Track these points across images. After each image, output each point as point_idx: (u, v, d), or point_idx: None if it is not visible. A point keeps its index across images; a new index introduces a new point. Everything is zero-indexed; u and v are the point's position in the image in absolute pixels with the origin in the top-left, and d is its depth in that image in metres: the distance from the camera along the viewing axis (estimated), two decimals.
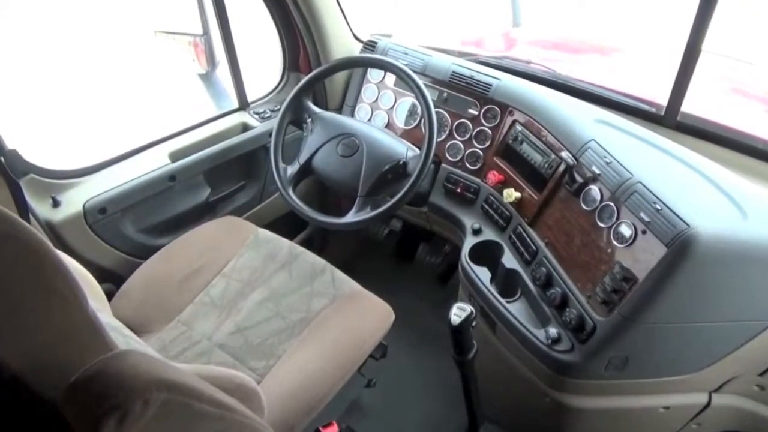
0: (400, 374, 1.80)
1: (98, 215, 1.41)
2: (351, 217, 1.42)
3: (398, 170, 1.43)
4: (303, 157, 1.52)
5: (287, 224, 2.01)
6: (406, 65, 1.53)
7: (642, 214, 1.15)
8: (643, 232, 1.15)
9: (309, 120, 1.55)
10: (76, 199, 1.39)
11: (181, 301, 1.40)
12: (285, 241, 1.54)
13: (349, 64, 1.65)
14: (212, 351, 1.30)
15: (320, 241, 2.18)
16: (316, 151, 1.51)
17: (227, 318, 1.37)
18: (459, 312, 1.20)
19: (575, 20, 3.11)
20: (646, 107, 1.64)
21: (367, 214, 1.41)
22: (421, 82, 1.45)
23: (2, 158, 1.15)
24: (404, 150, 1.46)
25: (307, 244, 2.13)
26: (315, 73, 1.54)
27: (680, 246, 1.06)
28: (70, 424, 0.68)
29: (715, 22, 1.37)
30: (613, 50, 2.41)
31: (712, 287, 1.12)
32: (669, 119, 1.58)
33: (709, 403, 1.41)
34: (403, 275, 2.28)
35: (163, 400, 0.61)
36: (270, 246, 1.52)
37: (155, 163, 1.53)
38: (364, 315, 1.37)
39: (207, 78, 2.68)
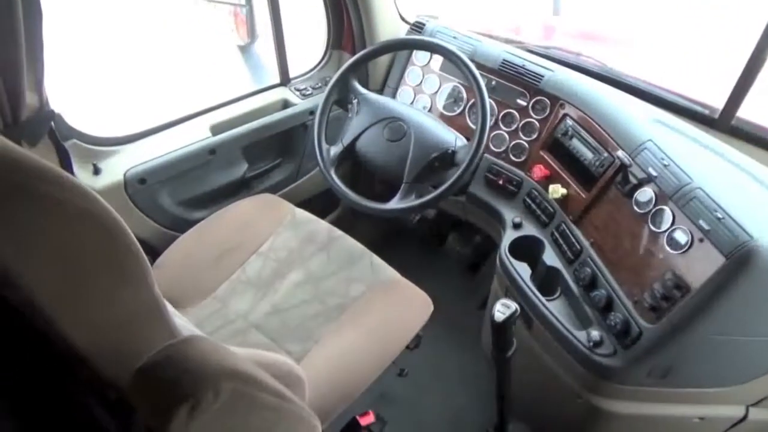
0: (429, 364, 1.79)
1: (138, 185, 1.39)
2: (395, 203, 1.39)
3: (446, 159, 1.39)
4: (347, 139, 1.48)
5: (319, 203, 1.99)
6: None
7: (701, 222, 1.11)
8: (701, 240, 1.11)
9: (355, 101, 1.51)
10: (116, 168, 1.37)
11: (217, 278, 1.39)
12: (323, 223, 1.51)
13: (402, 45, 1.60)
14: (248, 331, 1.29)
15: (349, 222, 2.16)
16: (361, 134, 1.47)
17: (263, 298, 1.35)
18: (503, 309, 1.17)
19: (616, 10, 3.01)
20: (699, 108, 1.59)
21: (412, 202, 1.38)
22: (478, 72, 1.40)
23: (53, 124, 1.12)
24: (453, 138, 1.42)
25: (337, 223, 2.11)
26: (365, 53, 1.50)
27: (741, 258, 1.02)
28: (128, 406, 0.66)
29: None
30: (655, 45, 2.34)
31: None
32: (723, 123, 1.53)
33: (745, 417, 1.39)
34: (431, 263, 2.25)
35: (232, 390, 0.60)
36: (308, 227, 1.50)
37: (196, 136, 1.50)
38: (404, 305, 1.35)
39: (246, 50, 2.63)
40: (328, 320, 1.30)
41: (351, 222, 2.17)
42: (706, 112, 1.57)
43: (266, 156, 1.74)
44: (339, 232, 1.49)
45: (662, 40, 2.39)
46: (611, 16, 2.78)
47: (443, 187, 1.34)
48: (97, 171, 1.34)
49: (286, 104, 1.72)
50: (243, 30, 1.96)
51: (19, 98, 0.97)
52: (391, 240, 2.29)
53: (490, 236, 1.85)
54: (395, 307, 1.34)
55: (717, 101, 1.55)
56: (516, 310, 1.17)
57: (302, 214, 1.54)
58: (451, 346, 1.87)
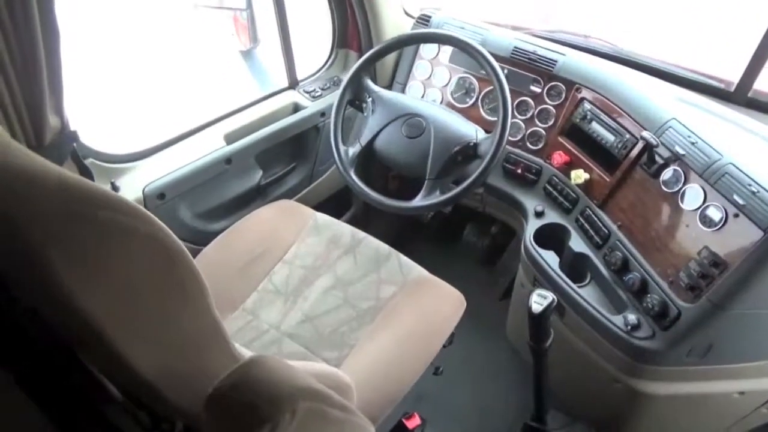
0: (459, 360, 1.78)
1: (157, 200, 1.36)
2: (420, 201, 1.37)
3: (468, 152, 1.37)
4: (365, 139, 1.46)
5: (334, 205, 1.97)
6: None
7: (735, 197, 1.10)
8: (735, 216, 1.10)
9: (369, 99, 1.48)
10: (135, 184, 1.34)
11: (245, 289, 1.37)
12: (346, 226, 1.49)
13: (415, 39, 1.57)
14: (282, 341, 1.27)
15: (364, 221, 2.14)
16: (379, 132, 1.45)
17: (293, 306, 1.33)
18: (540, 300, 1.16)
19: None
20: (715, 83, 1.58)
21: (437, 198, 1.36)
22: (496, 62, 1.38)
23: (75, 144, 1.09)
24: (473, 131, 1.40)
25: (352, 223, 2.10)
26: (377, 50, 1.47)
27: None
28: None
29: None
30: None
31: None
32: (740, 96, 1.52)
33: None
34: (448, 256, 2.24)
35: (307, 409, 0.58)
36: (331, 231, 1.48)
37: (211, 146, 1.48)
38: (437, 303, 1.33)
39: (248, 55, 2.60)
40: (362, 324, 1.28)
41: (365, 221, 2.15)
42: (722, 86, 1.56)
43: (280, 161, 1.72)
44: (362, 234, 1.47)
45: (668, 16, 2.37)
46: None
47: (469, 181, 1.32)
48: (115, 189, 1.31)
49: (296, 107, 1.70)
50: (244, 35, 1.93)
51: (42, 121, 0.95)
52: (406, 236, 2.27)
53: (507, 226, 1.83)
54: (428, 306, 1.32)
55: (728, 75, 1.54)
56: (553, 300, 1.16)
57: (323, 218, 1.52)
58: (477, 339, 1.86)
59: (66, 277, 0.49)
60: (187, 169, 1.41)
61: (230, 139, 1.52)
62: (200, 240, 1.49)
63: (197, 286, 0.60)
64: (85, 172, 1.15)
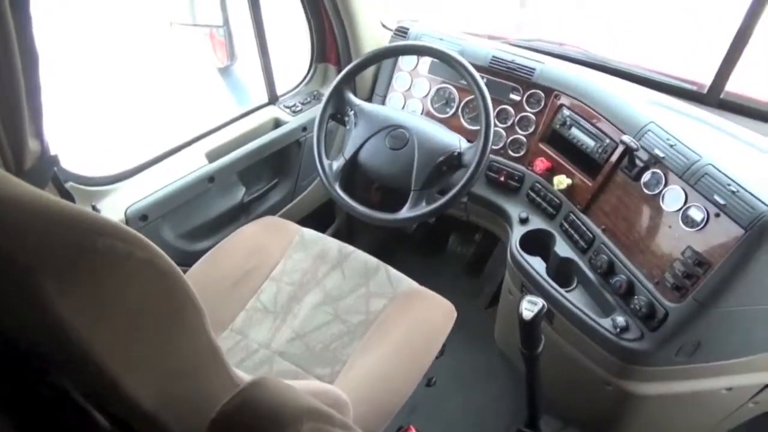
0: (449, 369, 1.78)
1: (140, 222, 1.34)
2: (406, 212, 1.37)
3: (453, 162, 1.38)
4: (348, 152, 1.46)
5: (317, 219, 1.96)
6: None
7: (716, 197, 1.12)
8: (717, 215, 1.12)
9: (351, 112, 1.48)
10: (116, 207, 1.32)
11: (233, 309, 1.35)
12: (333, 241, 1.48)
13: (396, 51, 1.56)
14: (273, 360, 1.25)
15: (348, 234, 2.13)
16: (362, 145, 1.45)
17: (283, 324, 1.32)
18: (530, 306, 1.17)
19: None
20: (687, 86, 1.62)
21: (424, 208, 1.36)
22: (476, 72, 1.39)
23: (55, 169, 1.07)
24: (456, 141, 1.41)
25: (337, 236, 2.09)
26: (358, 63, 1.47)
27: (761, 228, 1.04)
28: None
29: None
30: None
31: None
32: (712, 98, 1.56)
33: None
34: (434, 265, 2.24)
35: (310, 430, 0.57)
36: (318, 246, 1.47)
37: (193, 164, 1.46)
38: (427, 314, 1.33)
39: (226, 72, 2.58)
40: (353, 339, 1.27)
41: (350, 234, 2.15)
42: (695, 88, 1.60)
43: (262, 177, 1.71)
44: (350, 248, 1.46)
45: (639, 21, 2.43)
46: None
47: (455, 190, 1.33)
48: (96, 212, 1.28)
49: (277, 123, 1.69)
50: (221, 52, 1.92)
51: (22, 146, 0.93)
52: (390, 248, 2.27)
53: (491, 233, 1.84)
54: (419, 317, 1.32)
55: (701, 77, 1.58)
56: (543, 306, 1.17)
57: (309, 233, 1.51)
58: (467, 348, 1.87)
59: (64, 308, 0.47)
60: (169, 189, 1.39)
61: (212, 156, 1.50)
62: (185, 260, 1.47)
63: (195, 309, 0.59)
64: (66, 196, 1.13)
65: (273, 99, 1.73)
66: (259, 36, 1.56)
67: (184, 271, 1.40)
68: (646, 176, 1.28)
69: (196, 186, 1.45)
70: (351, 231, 2.14)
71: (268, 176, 1.73)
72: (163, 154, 1.46)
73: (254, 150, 1.58)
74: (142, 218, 1.34)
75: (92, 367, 0.51)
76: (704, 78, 1.56)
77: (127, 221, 1.31)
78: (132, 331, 0.53)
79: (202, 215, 1.54)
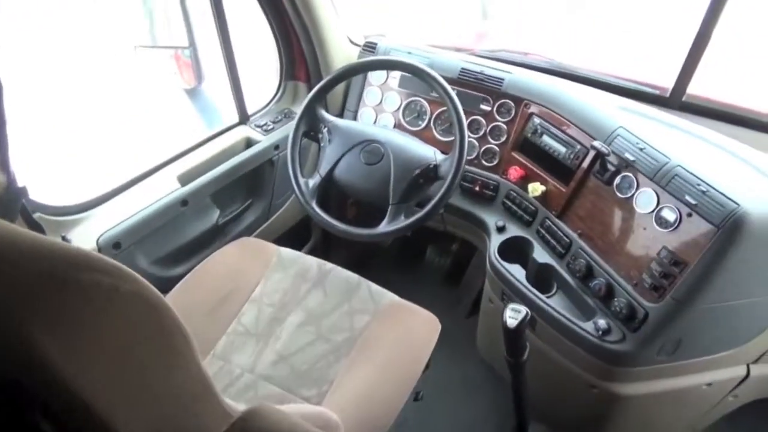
0: (435, 382, 1.77)
1: (113, 250, 1.30)
2: (385, 227, 1.37)
3: (429, 174, 1.38)
4: (324, 169, 1.45)
5: (292, 237, 1.94)
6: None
7: (687, 197, 1.15)
8: (689, 215, 1.15)
9: (325, 129, 1.48)
10: (88, 236, 1.28)
11: (214, 334, 1.32)
12: (311, 259, 1.47)
13: (367, 66, 1.56)
14: (257, 384, 1.22)
15: (324, 250, 2.12)
16: (337, 162, 1.44)
17: (266, 347, 1.29)
18: (514, 314, 1.17)
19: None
20: (650, 90, 1.67)
21: (403, 222, 1.36)
22: (448, 85, 1.40)
23: (24, 200, 1.03)
24: (432, 153, 1.41)
25: (314, 253, 2.07)
26: (329, 79, 1.47)
27: (732, 225, 1.06)
28: None
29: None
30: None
31: (762, 263, 1.13)
32: (675, 100, 1.61)
33: (747, 375, 1.44)
34: (412, 277, 2.24)
35: None
36: (297, 265, 1.45)
37: (166, 188, 1.43)
38: (412, 328, 1.32)
39: (193, 93, 2.54)
40: (339, 358, 1.26)
41: (326, 250, 2.13)
42: (658, 92, 1.65)
43: (236, 198, 1.68)
44: (329, 265, 1.45)
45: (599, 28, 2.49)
46: (542, 10, 2.87)
47: (433, 202, 1.33)
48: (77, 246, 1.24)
49: (249, 142, 1.67)
50: (188, 73, 1.89)
51: None
52: (367, 262, 2.26)
53: (468, 243, 1.85)
54: (404, 331, 1.31)
55: (663, 81, 1.63)
56: (527, 313, 1.17)
57: (287, 252, 1.49)
58: (450, 359, 1.86)
59: (48, 347, 0.45)
60: (142, 215, 1.36)
61: (184, 180, 1.47)
62: (162, 286, 1.42)
63: (185, 340, 0.57)
64: (35, 227, 1.09)
65: (244, 119, 1.71)
66: (227, 56, 1.54)
67: None
68: (618, 180, 1.31)
69: (170, 210, 1.42)
70: (327, 247, 2.12)
71: (242, 197, 1.70)
72: (133, 180, 1.42)
73: (227, 171, 1.56)
74: (114, 246, 1.31)
75: (80, 407, 0.49)
76: (667, 82, 1.61)
77: (100, 250, 1.27)
78: (121, 368, 0.51)
79: (176, 240, 1.50)
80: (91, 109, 2.92)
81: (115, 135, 2.74)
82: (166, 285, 1.41)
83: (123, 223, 1.33)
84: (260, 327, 1.33)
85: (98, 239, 1.28)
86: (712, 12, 1.40)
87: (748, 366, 1.45)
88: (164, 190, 1.43)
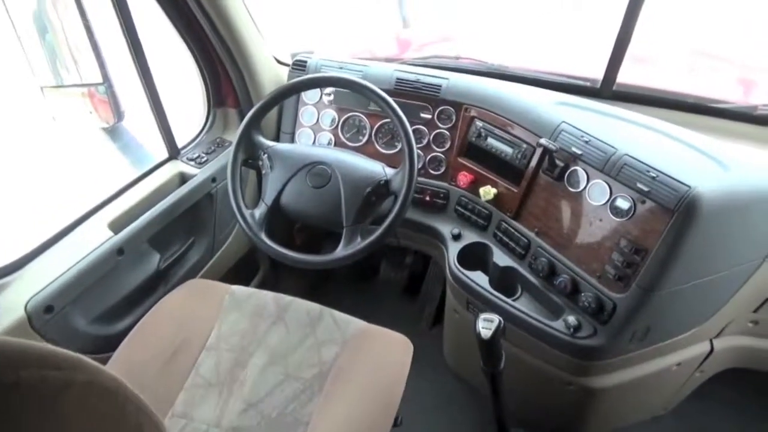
0: (408, 401, 1.71)
1: (45, 316, 1.16)
2: (343, 250, 1.30)
3: (381, 191, 1.33)
4: (269, 197, 1.36)
5: (240, 271, 1.83)
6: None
7: (639, 185, 1.15)
8: (642, 202, 1.16)
9: (264, 156, 1.40)
10: (13, 303, 1.13)
11: (170, 391, 1.20)
12: (267, 294, 1.38)
13: (301, 86, 1.47)
14: None
15: (275, 281, 2.02)
16: (283, 188, 1.36)
17: (230, 396, 1.19)
18: (487, 324, 1.14)
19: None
20: (582, 82, 1.69)
21: (360, 244, 1.29)
22: (389, 97, 1.36)
23: None
24: (380, 168, 1.36)
25: (264, 285, 1.97)
26: (263, 103, 1.39)
27: (688, 207, 1.08)
28: None
29: None
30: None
31: (718, 239, 1.16)
32: (606, 90, 1.64)
33: (711, 350, 1.48)
34: (370, 296, 2.18)
35: None
36: (252, 303, 1.35)
37: (98, 238, 1.30)
38: (384, 352, 1.26)
39: (113, 131, 2.37)
40: (312, 396, 1.18)
41: (275, 280, 2.04)
42: (589, 84, 1.68)
43: (177, 239, 1.56)
44: (287, 298, 1.37)
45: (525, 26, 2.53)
46: (465, 13, 2.90)
47: (390, 220, 1.28)
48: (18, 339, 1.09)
49: (183, 178, 1.56)
50: (105, 111, 1.75)
51: None
52: (320, 285, 2.18)
53: (421, 253, 1.81)
54: (377, 358, 1.24)
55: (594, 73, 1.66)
56: (500, 322, 1.14)
57: (240, 290, 1.39)
58: (420, 374, 1.81)
59: None
60: (74, 271, 1.22)
61: (116, 226, 1.35)
62: (105, 346, 1.30)
63: (152, 422, 0.49)
64: None
65: (174, 153, 1.59)
66: (148, 88, 1.43)
67: (106, 359, 1.24)
68: (568, 175, 1.31)
69: (104, 262, 1.29)
70: (277, 277, 2.03)
71: (182, 236, 1.58)
72: (59, 233, 1.28)
73: (163, 211, 1.44)
74: (46, 311, 1.17)
75: None
76: (598, 73, 1.63)
77: (30, 318, 1.13)
78: None
79: (116, 292, 1.37)
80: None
81: (30, 187, 2.51)
82: (111, 343, 1.28)
83: (53, 284, 1.19)
84: (221, 375, 1.23)
85: (26, 305, 1.14)
86: (634, 3, 1.43)
87: (711, 341, 1.49)
88: (96, 240, 1.29)
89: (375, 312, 1.41)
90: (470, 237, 1.53)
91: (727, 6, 2.45)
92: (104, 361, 1.22)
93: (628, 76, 1.61)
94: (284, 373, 1.22)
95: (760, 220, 1.20)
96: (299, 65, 1.68)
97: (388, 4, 2.87)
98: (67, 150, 2.50)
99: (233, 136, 1.43)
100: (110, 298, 1.36)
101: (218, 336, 1.30)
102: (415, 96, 1.58)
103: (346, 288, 2.22)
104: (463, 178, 1.52)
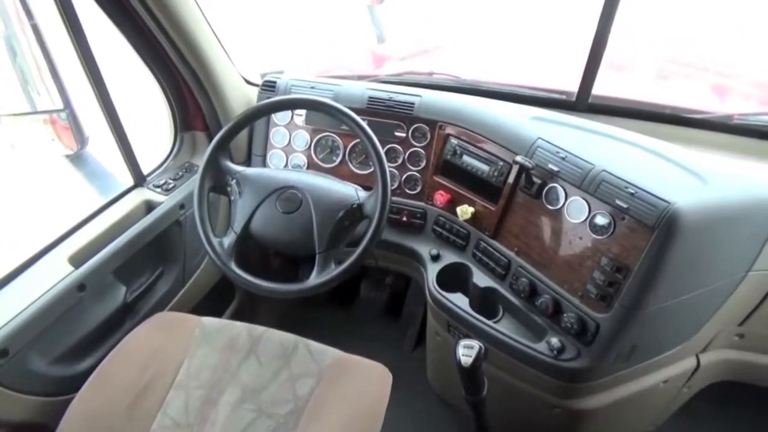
0: (391, 427, 1.66)
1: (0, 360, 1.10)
2: (316, 278, 1.25)
3: (355, 214, 1.28)
4: (238, 225, 1.31)
5: (213, 301, 1.77)
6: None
7: (618, 202, 1.12)
8: (622, 219, 1.13)
9: (233, 181, 1.34)
10: None
11: None
12: (240, 325, 1.32)
13: (270, 108, 1.41)
14: None
15: (250, 310, 1.96)
16: (252, 215, 1.31)
17: None
18: (467, 351, 1.10)
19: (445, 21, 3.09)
20: (557, 96, 1.67)
21: (334, 270, 1.24)
22: (356, 115, 1.31)
23: None
24: (353, 191, 1.32)
25: (238, 316, 1.90)
26: (231, 127, 1.33)
27: (668, 223, 1.05)
28: None
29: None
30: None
31: (701, 255, 1.13)
32: (581, 103, 1.62)
33: (698, 365, 1.45)
34: (351, 318, 2.12)
35: None
36: (223, 335, 1.29)
37: (56, 275, 1.23)
38: (362, 384, 1.20)
39: (77, 158, 2.30)
40: None
41: (252, 309, 1.97)
42: (564, 97, 1.65)
43: (144, 270, 1.49)
44: (260, 329, 1.31)
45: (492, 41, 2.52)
46: (441, 27, 2.88)
47: (364, 244, 1.23)
48: None
49: (149, 206, 1.50)
50: (67, 138, 1.68)
51: None
52: (297, 313, 2.12)
53: (401, 273, 1.77)
54: (354, 390, 1.19)
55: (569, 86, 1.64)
56: (481, 348, 1.10)
57: (210, 322, 1.33)
58: (403, 399, 1.76)
59: None
60: (30, 311, 1.15)
61: (77, 260, 1.28)
62: (68, 387, 1.23)
63: None
64: None
65: (140, 180, 1.53)
66: (111, 117, 1.37)
67: (69, 401, 1.17)
68: (546, 192, 1.27)
69: (64, 299, 1.22)
70: (254, 304, 1.96)
71: (150, 267, 1.52)
72: (14, 271, 1.21)
73: (128, 242, 1.38)
74: (1, 355, 1.10)
75: None
76: (573, 86, 1.61)
77: None
78: None
79: (78, 330, 1.30)
80: None
81: None
82: (75, 384, 1.21)
83: (7, 325, 1.12)
84: (191, 415, 1.16)
85: None
86: (606, 16, 1.42)
87: (697, 356, 1.46)
88: (54, 277, 1.22)
89: (356, 334, 1.36)
90: (449, 257, 1.48)
91: (699, 14, 2.46)
92: (67, 403, 1.15)
93: (603, 86, 1.60)
94: (257, 411, 1.16)
95: (741, 232, 1.18)
96: (269, 86, 1.64)
97: (361, 20, 2.84)
98: (27, 180, 2.41)
99: (201, 162, 1.37)
100: (72, 336, 1.29)
101: (188, 372, 1.23)
102: (388, 114, 1.54)
103: (327, 310, 2.16)
104: (440, 197, 1.48)
